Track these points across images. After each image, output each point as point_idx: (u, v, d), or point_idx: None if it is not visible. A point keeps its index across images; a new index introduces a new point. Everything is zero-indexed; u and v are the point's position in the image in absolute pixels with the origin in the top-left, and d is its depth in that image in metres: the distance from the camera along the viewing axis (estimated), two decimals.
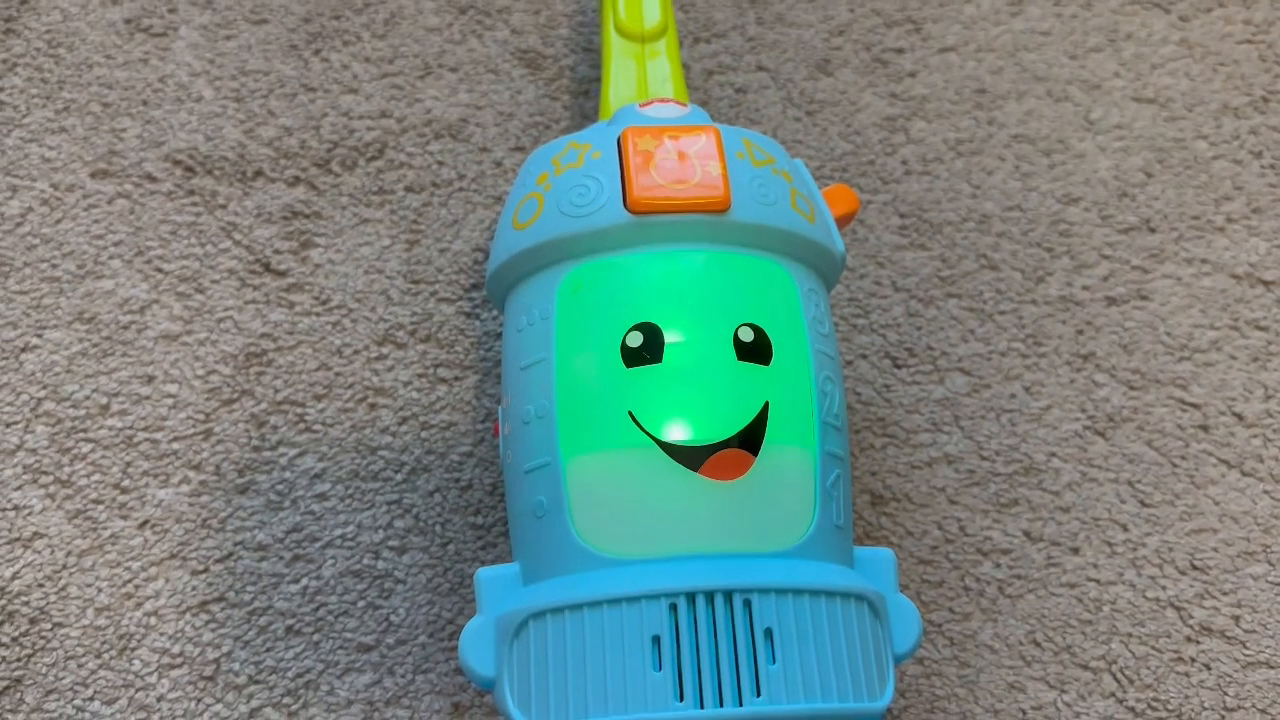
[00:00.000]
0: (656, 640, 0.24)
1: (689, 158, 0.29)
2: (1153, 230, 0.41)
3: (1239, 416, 0.38)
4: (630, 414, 0.27)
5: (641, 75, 0.35)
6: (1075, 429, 0.37)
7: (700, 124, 0.30)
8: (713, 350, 0.27)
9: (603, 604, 0.25)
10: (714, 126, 0.30)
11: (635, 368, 0.27)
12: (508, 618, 0.26)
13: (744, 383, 0.27)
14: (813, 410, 0.28)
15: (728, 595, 0.25)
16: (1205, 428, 0.38)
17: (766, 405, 0.27)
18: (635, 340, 0.27)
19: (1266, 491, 0.37)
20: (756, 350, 0.28)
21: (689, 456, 0.26)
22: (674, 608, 0.25)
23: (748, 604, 0.25)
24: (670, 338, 0.27)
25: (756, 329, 0.28)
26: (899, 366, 0.38)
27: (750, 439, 0.27)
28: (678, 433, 0.26)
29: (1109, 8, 0.46)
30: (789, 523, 0.27)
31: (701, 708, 0.24)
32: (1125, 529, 0.36)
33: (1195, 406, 0.38)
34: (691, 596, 0.25)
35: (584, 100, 0.43)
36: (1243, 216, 0.42)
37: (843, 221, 0.33)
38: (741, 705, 0.24)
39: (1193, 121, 0.44)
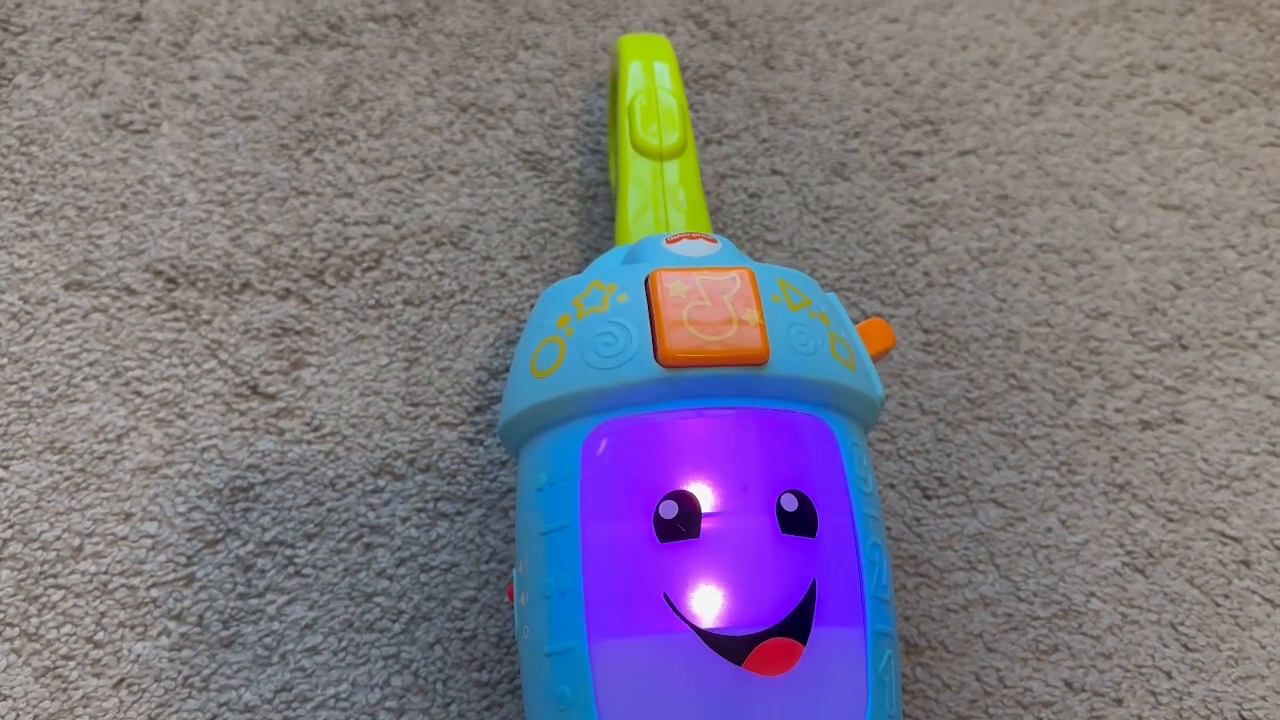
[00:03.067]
0: None
1: (723, 303, 0.27)
2: (1185, 348, 0.40)
3: None
4: (666, 597, 0.24)
5: (660, 197, 0.33)
6: (1114, 565, 0.35)
7: (733, 264, 0.28)
8: (755, 523, 0.25)
9: None
10: (748, 268, 0.28)
11: (670, 542, 0.25)
12: None
13: (790, 560, 0.25)
14: (862, 584, 0.26)
15: None
16: (1247, 563, 0.36)
17: (814, 584, 0.25)
18: (669, 511, 0.25)
19: None
20: (801, 521, 0.25)
21: (732, 649, 0.24)
22: None
23: None
24: (707, 508, 0.25)
25: (801, 497, 0.26)
26: (929, 498, 0.36)
27: (798, 625, 0.24)
28: (720, 620, 0.24)
29: (1130, 109, 0.45)
30: (841, 718, 0.24)
31: None
32: (1170, 677, 0.34)
33: (1236, 540, 0.36)
34: None
35: (592, 205, 0.41)
36: (1275, 332, 0.40)
37: (878, 358, 0.31)
38: None
39: (1220, 230, 0.42)
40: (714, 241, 0.29)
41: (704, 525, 0.25)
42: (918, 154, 0.43)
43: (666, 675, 0.24)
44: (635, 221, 0.33)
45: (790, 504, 0.25)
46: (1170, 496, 0.37)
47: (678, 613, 0.24)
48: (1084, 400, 0.38)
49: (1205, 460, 0.38)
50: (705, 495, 0.25)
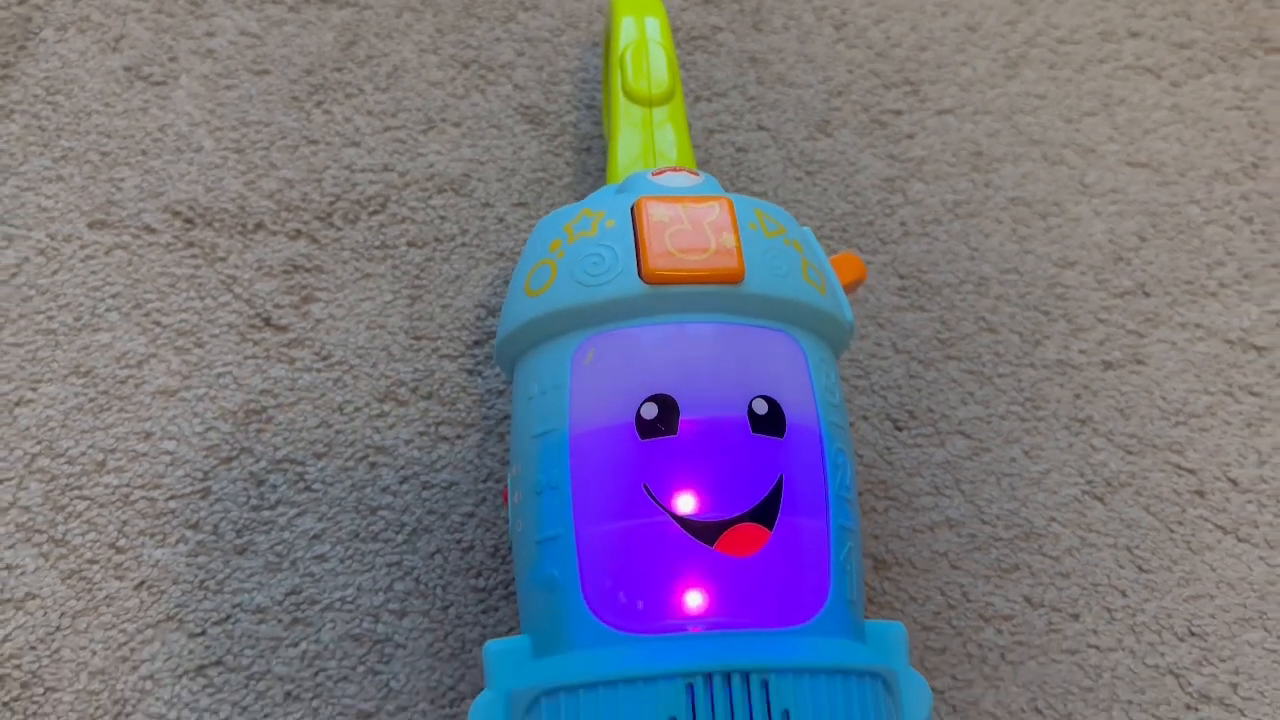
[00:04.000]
0: None
1: (703, 228, 0.29)
2: (1147, 294, 0.42)
3: (1233, 482, 0.38)
4: (646, 487, 0.27)
5: (649, 139, 0.35)
6: (1074, 493, 0.38)
7: (713, 194, 0.30)
8: (728, 423, 0.27)
9: (619, 683, 0.25)
10: (727, 197, 0.30)
11: (650, 439, 0.27)
12: (519, 695, 0.26)
13: (759, 456, 0.27)
14: (826, 483, 0.28)
15: (745, 676, 0.25)
16: (1201, 493, 0.38)
17: (781, 479, 0.27)
18: (650, 412, 0.27)
19: (1262, 558, 0.37)
20: (771, 422, 0.28)
21: (705, 531, 0.26)
22: (690, 688, 0.24)
23: (765, 684, 0.25)
24: (685, 409, 0.27)
25: (771, 402, 0.28)
26: (900, 429, 0.39)
27: (765, 512, 0.27)
28: (694, 507, 0.26)
29: (1102, 72, 0.47)
30: (803, 598, 0.27)
31: None
32: (1124, 594, 0.36)
33: (1191, 472, 0.38)
34: (709, 677, 0.24)
35: (586, 157, 0.43)
36: (1234, 282, 0.42)
37: (850, 289, 0.33)
38: None
39: (1185, 187, 0.44)
40: (697, 175, 0.31)
41: (681, 424, 0.27)
42: (897, 113, 0.45)
43: (645, 556, 0.26)
44: (625, 161, 0.35)
45: (761, 407, 0.28)
46: (1130, 431, 0.39)
47: (656, 501, 0.27)
48: (1049, 342, 0.40)
49: (1164, 399, 0.40)
50: (683, 398, 0.27)
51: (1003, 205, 0.43)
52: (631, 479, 0.27)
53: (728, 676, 0.24)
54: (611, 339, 0.29)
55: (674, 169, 0.31)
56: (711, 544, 0.26)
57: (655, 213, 0.29)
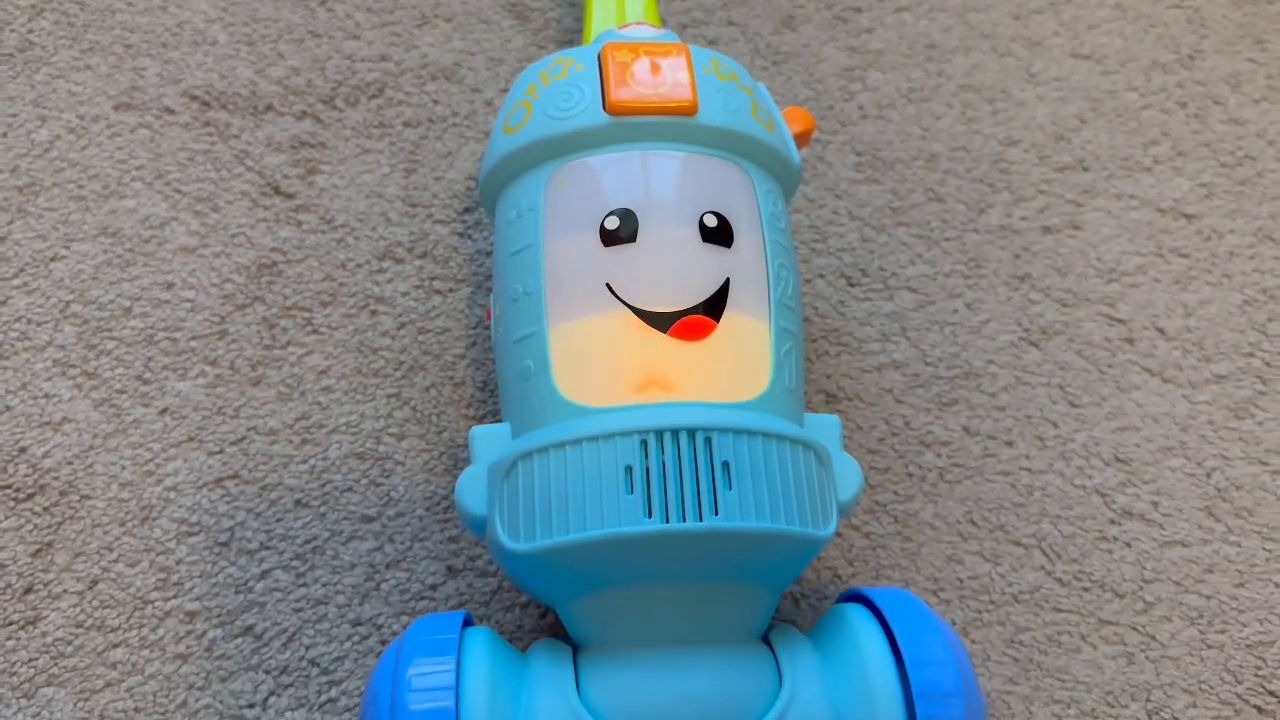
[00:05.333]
0: (629, 470, 0.28)
1: (661, 69, 0.33)
2: (1086, 169, 0.45)
3: (1161, 331, 0.42)
4: (608, 285, 0.30)
5: (620, 7, 0.39)
6: (1011, 340, 0.41)
7: (673, 42, 0.34)
8: (681, 232, 0.31)
9: (582, 442, 0.28)
10: (684, 44, 0.34)
11: (612, 246, 0.31)
12: (499, 464, 0.30)
13: (708, 261, 0.31)
14: (768, 288, 0.32)
15: (691, 433, 0.28)
16: (1130, 340, 0.42)
17: (728, 281, 0.31)
18: (613, 223, 0.31)
19: (1185, 396, 0.41)
20: (719, 234, 0.31)
21: (659, 320, 0.30)
22: (644, 443, 0.28)
23: (708, 440, 0.28)
24: (644, 221, 0.31)
25: (720, 216, 0.32)
26: (853, 285, 0.42)
27: (713, 307, 0.30)
28: (650, 301, 0.30)
29: None
30: (746, 380, 0.30)
31: (667, 522, 0.27)
32: (1056, 426, 0.40)
33: (1122, 322, 0.42)
34: (659, 434, 0.28)
35: (568, 48, 0.46)
36: (1168, 159, 0.46)
37: (801, 140, 0.37)
38: (701, 521, 0.27)
39: (1125, 76, 0.48)
40: (657, 26, 0.35)
41: (640, 233, 0.31)
42: (858, 9, 0.49)
43: (608, 343, 0.30)
44: (598, 29, 0.38)
45: (711, 221, 0.31)
46: (1065, 287, 0.43)
47: (617, 297, 0.30)
48: (993, 210, 0.44)
49: (1099, 259, 0.43)
50: (642, 212, 0.31)
51: (953, 92, 0.47)
52: (596, 279, 0.31)
53: (676, 434, 0.28)
54: (580, 166, 0.32)
55: (638, 23, 0.35)
56: (665, 331, 0.30)
57: (619, 55, 0.33)
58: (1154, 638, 0.36)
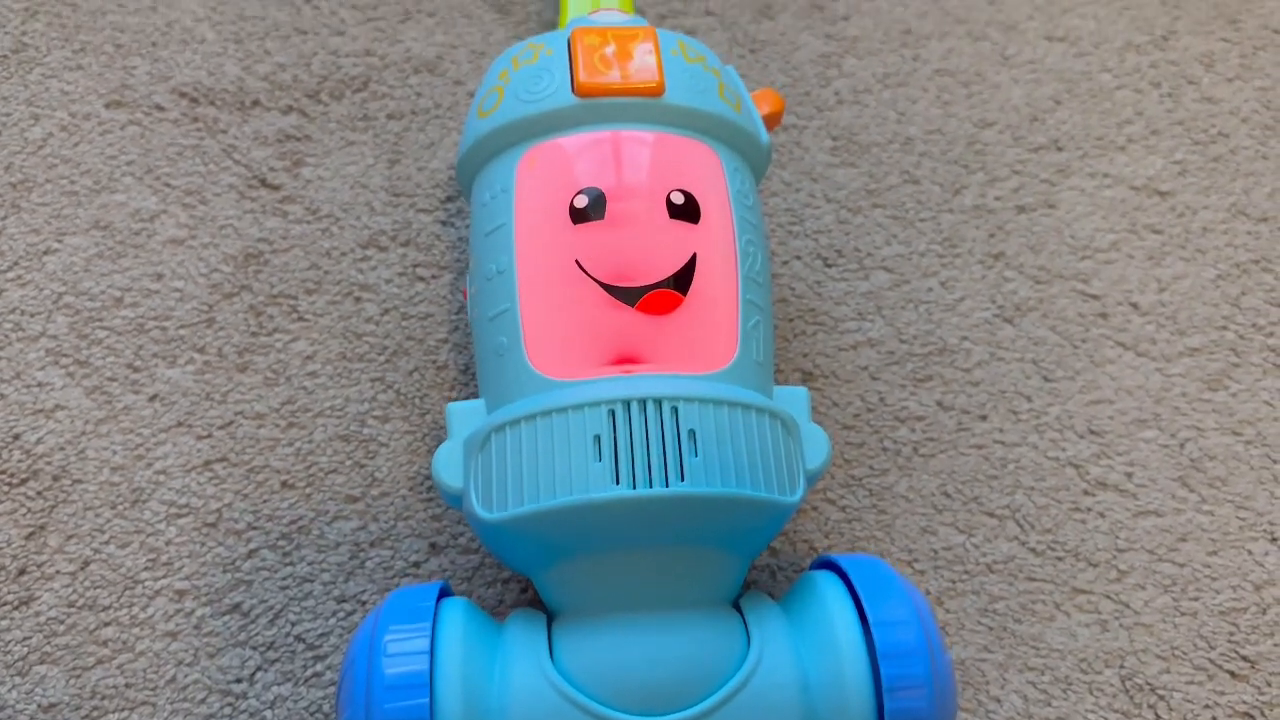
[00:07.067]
0: (598, 439, 0.28)
1: (629, 52, 0.34)
2: (1060, 149, 0.46)
3: (1134, 306, 0.42)
4: (577, 262, 0.31)
5: None
6: (986, 316, 0.42)
7: (641, 25, 0.35)
8: (648, 209, 0.32)
9: (552, 413, 0.29)
10: (652, 28, 0.34)
11: (581, 224, 0.32)
12: (474, 438, 0.31)
13: (675, 237, 0.32)
14: (736, 264, 0.32)
15: (658, 403, 0.29)
16: (1104, 315, 0.42)
17: (695, 256, 0.32)
18: (582, 202, 0.32)
19: (1158, 369, 0.41)
20: (686, 211, 0.32)
21: (628, 295, 0.31)
22: (612, 413, 0.29)
23: (675, 410, 0.29)
24: (612, 199, 0.32)
25: (687, 194, 0.32)
26: (829, 265, 0.43)
27: (680, 282, 0.31)
28: (618, 276, 0.31)
29: None
30: (713, 353, 0.31)
31: (634, 489, 0.28)
32: (1029, 400, 0.40)
33: (1095, 297, 0.42)
34: (627, 404, 0.29)
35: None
36: (1142, 137, 0.46)
37: (771, 120, 0.37)
38: (667, 487, 0.28)
39: (1099, 57, 0.48)
40: (629, 13, 0.36)
41: (608, 212, 0.32)
42: None
43: (577, 318, 0.31)
44: (571, 12, 0.39)
45: (678, 198, 0.32)
46: (1039, 264, 0.43)
47: (586, 273, 0.31)
48: (967, 191, 0.45)
49: (1073, 237, 0.44)
50: (610, 190, 0.32)
51: (929, 76, 0.48)
52: (565, 256, 0.31)
53: (643, 403, 0.29)
54: (550, 147, 0.33)
55: (609, 9, 0.36)
56: (633, 305, 0.31)
57: (587, 39, 0.34)
58: (1128, 605, 0.37)
